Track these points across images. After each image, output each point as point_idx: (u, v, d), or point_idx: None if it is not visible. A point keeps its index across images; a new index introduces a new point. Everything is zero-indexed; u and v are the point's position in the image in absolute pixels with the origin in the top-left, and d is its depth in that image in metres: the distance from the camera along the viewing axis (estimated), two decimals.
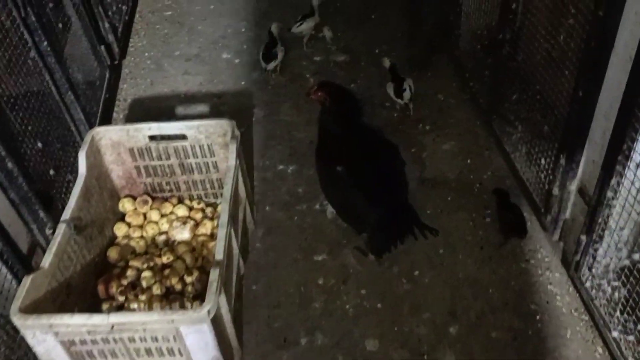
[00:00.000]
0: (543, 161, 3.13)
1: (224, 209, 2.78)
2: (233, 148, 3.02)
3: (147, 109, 4.30)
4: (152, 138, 3.23)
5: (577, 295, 3.01)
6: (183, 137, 3.22)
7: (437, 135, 3.86)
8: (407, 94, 3.76)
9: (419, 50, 4.43)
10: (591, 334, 2.86)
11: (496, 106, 3.52)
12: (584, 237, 2.76)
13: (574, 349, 2.82)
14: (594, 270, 2.75)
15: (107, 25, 4.15)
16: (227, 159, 3.03)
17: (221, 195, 3.32)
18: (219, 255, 2.61)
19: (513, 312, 2.99)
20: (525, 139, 3.20)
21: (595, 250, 2.69)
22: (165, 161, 3.31)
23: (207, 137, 3.19)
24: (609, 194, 2.47)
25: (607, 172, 2.44)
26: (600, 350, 2.66)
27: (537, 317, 2.96)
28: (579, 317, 2.95)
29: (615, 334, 2.58)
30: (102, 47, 4.02)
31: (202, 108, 4.31)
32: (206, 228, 3.30)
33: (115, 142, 3.21)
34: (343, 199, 2.96)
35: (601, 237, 2.66)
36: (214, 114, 4.22)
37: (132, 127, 3.18)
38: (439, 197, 3.45)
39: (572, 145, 2.80)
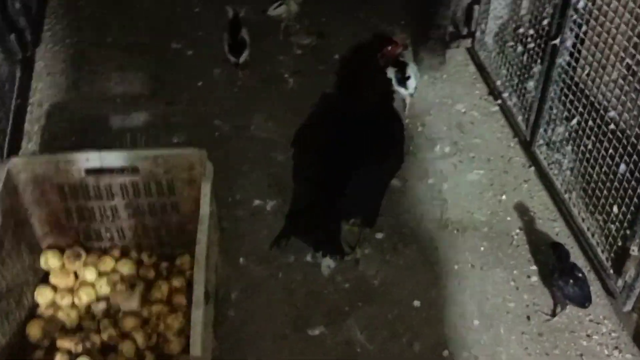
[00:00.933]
0: (615, 209, 2.95)
1: (198, 280, 2.41)
2: (207, 190, 2.68)
3: (70, 118, 3.94)
4: (89, 171, 2.82)
5: None
6: (134, 170, 2.83)
7: (460, 160, 3.70)
8: (412, 83, 3.68)
9: (428, 43, 4.19)
10: None
11: (543, 127, 3.39)
12: None
13: None
14: None
15: (17, 5, 3.66)
16: (193, 200, 2.78)
17: (180, 245, 2.97)
18: (196, 349, 2.23)
19: None
20: (585, 175, 3.07)
21: None
22: (107, 201, 2.92)
23: (166, 171, 2.83)
24: None
25: None
26: None
27: None
28: None
29: None
30: (13, 35, 3.54)
31: (146, 117, 3.98)
32: (162, 292, 2.95)
33: (39, 177, 2.83)
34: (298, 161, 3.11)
35: None
36: (162, 127, 3.89)
37: (63, 158, 2.79)
38: (467, 247, 3.27)
39: None
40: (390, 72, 3.68)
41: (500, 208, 3.44)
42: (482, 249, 3.27)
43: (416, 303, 3.09)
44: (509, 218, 3.39)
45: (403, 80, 3.70)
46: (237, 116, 3.90)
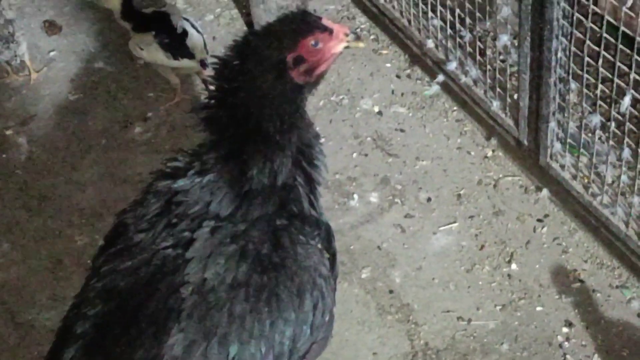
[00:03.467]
0: None
1: None
2: None
3: None
4: None
5: None
6: None
7: (407, 213, 3.18)
8: (198, 41, 3.53)
9: None
10: None
11: (553, 120, 2.96)
12: None
13: None
14: None
15: None
16: None
17: None
18: None
19: None
20: None
21: None
22: None
23: None
24: None
25: None
26: None
27: None
28: None
29: None
30: None
31: None
32: None
33: None
34: None
35: None
36: None
37: None
38: None
39: None
40: (147, 43, 3.47)
41: (516, 292, 3.01)
42: None
43: None
44: (539, 307, 2.95)
45: (178, 45, 3.46)
46: None
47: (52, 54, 3.75)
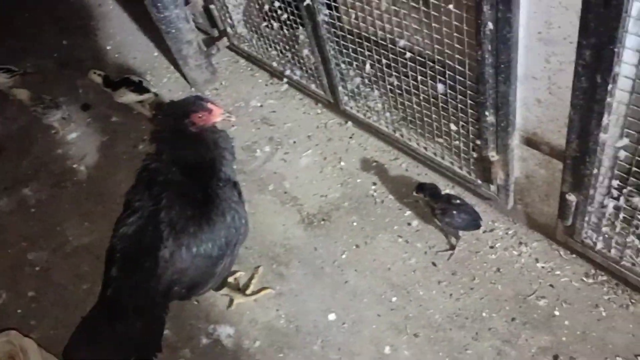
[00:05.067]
0: (453, 126, 2.33)
1: None
2: None
3: None
4: None
5: (583, 261, 2.25)
6: None
7: (285, 152, 3.07)
8: (148, 84, 3.33)
9: (189, 62, 3.34)
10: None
11: (340, 85, 2.84)
12: (572, 197, 1.93)
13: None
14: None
15: None
16: None
17: None
18: None
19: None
20: (406, 109, 2.52)
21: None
22: None
23: None
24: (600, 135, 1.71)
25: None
26: None
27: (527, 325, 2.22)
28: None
29: None
30: None
31: None
32: None
33: None
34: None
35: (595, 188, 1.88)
36: None
37: None
38: (341, 231, 2.67)
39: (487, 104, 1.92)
40: (124, 93, 3.31)
41: (345, 175, 2.87)
42: (355, 224, 2.67)
43: (331, 317, 2.40)
44: (358, 180, 2.83)
45: (138, 86, 3.30)
46: (50, 238, 2.99)
47: (88, 120, 3.50)
